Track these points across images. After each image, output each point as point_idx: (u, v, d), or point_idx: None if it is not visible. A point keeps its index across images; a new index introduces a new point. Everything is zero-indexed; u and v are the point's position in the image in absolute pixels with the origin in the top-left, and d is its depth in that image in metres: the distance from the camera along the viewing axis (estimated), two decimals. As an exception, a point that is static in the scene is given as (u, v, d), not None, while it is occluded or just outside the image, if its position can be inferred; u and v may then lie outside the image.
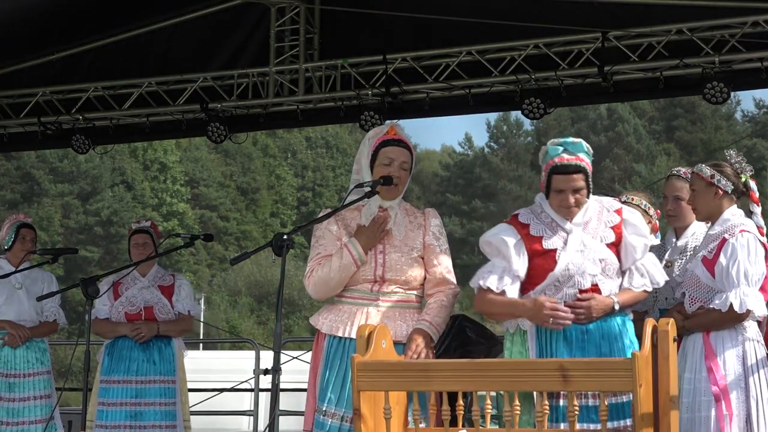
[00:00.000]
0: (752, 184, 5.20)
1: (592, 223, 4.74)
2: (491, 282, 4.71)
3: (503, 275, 4.72)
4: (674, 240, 5.59)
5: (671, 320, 4.31)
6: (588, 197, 4.75)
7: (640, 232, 4.75)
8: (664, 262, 5.56)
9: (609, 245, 4.72)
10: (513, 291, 4.71)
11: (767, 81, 7.87)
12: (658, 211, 5.90)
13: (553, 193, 4.72)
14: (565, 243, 4.69)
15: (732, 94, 8.07)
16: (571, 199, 4.69)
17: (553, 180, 4.70)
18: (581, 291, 4.66)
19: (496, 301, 4.70)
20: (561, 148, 4.71)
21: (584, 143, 4.75)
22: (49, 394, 7.35)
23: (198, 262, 49.59)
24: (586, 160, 4.71)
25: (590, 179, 4.72)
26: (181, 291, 7.26)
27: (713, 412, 4.87)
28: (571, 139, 4.73)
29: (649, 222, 5.99)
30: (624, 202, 5.92)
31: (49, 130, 9.61)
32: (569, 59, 8.24)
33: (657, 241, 5.89)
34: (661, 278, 4.80)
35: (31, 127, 9.63)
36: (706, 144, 46.34)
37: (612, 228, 4.73)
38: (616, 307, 4.65)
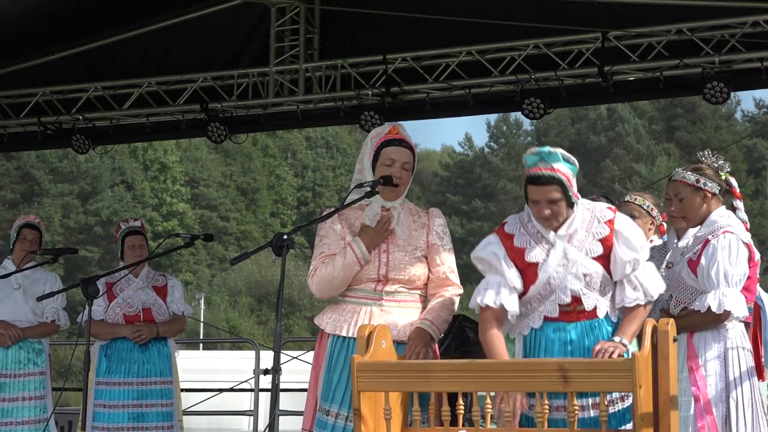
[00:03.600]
0: (732, 180, 5.20)
1: (578, 234, 4.58)
2: (488, 298, 4.58)
3: (500, 289, 4.59)
4: (675, 241, 5.59)
5: (671, 320, 4.31)
6: (572, 208, 4.57)
7: (631, 245, 4.56)
8: (665, 263, 5.56)
9: (597, 258, 4.57)
10: (511, 303, 4.58)
11: (767, 81, 7.87)
12: (665, 214, 5.88)
13: (531, 203, 4.57)
14: (547, 256, 4.58)
15: (732, 94, 8.07)
16: (546, 211, 4.52)
17: (528, 190, 4.55)
18: (560, 305, 4.57)
19: (486, 339, 4.58)
20: (537, 158, 4.52)
21: (561, 153, 4.53)
22: (42, 395, 7.31)
23: (198, 262, 49.61)
24: (562, 170, 4.49)
25: (569, 190, 4.51)
26: (174, 292, 7.26)
27: (692, 412, 4.88)
28: (547, 149, 4.52)
29: (652, 224, 5.99)
30: (627, 203, 5.92)
31: (49, 130, 9.61)
32: (569, 59, 8.24)
33: (660, 242, 5.89)
34: (656, 290, 4.62)
35: (31, 127, 9.64)
36: (706, 144, 46.25)
37: (600, 240, 4.57)
38: (630, 349, 4.48)
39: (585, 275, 4.57)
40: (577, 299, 4.58)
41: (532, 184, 4.53)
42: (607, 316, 4.61)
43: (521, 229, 4.65)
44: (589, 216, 4.61)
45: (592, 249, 4.58)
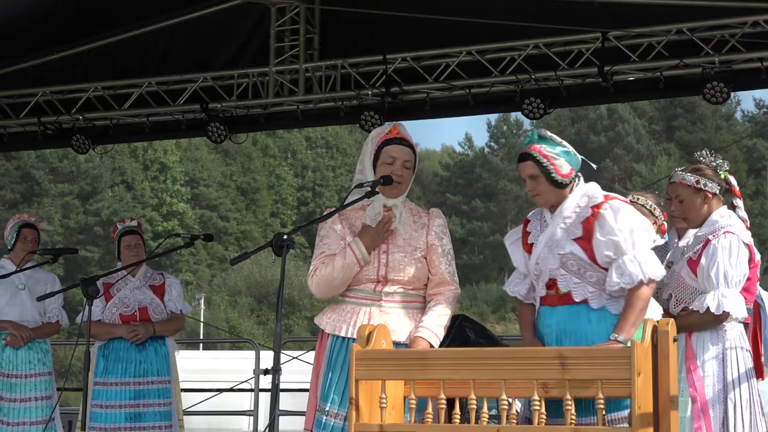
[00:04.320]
0: (731, 179, 5.20)
1: (570, 218, 4.70)
2: (506, 286, 4.97)
3: (513, 277, 4.93)
4: (676, 241, 5.59)
5: (671, 320, 4.30)
6: (562, 188, 4.71)
7: (610, 229, 4.58)
8: (665, 262, 5.56)
9: (577, 240, 4.64)
10: (515, 288, 4.90)
11: (767, 81, 7.87)
12: (666, 213, 5.88)
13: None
14: (541, 236, 4.78)
15: (732, 94, 8.07)
16: (527, 188, 4.80)
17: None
18: (545, 286, 4.69)
19: (519, 316, 4.92)
20: (526, 140, 4.84)
21: (539, 132, 4.79)
22: (49, 395, 7.33)
23: (198, 262, 49.63)
24: (538, 148, 4.73)
25: (547, 167, 4.70)
26: (172, 290, 7.25)
27: (689, 413, 4.88)
28: (531, 131, 4.84)
29: (655, 223, 5.99)
30: (629, 202, 5.93)
31: (49, 130, 9.61)
32: (569, 59, 8.23)
33: (662, 242, 5.89)
34: (639, 274, 4.52)
35: (31, 127, 9.63)
36: (707, 144, 46.27)
37: (582, 223, 4.65)
38: (624, 343, 4.46)
39: (562, 256, 4.65)
40: (555, 281, 4.66)
41: (518, 163, 4.85)
42: (587, 302, 4.61)
43: (537, 215, 4.88)
44: (585, 201, 4.70)
45: (573, 231, 4.66)
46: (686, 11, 7.93)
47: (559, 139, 4.77)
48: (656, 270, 4.59)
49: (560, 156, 4.71)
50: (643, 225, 4.66)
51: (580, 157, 4.78)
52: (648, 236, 4.65)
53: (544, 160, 4.70)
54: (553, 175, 4.69)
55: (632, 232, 4.58)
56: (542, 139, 4.74)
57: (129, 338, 7.02)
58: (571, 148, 4.76)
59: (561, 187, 4.70)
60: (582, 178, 4.78)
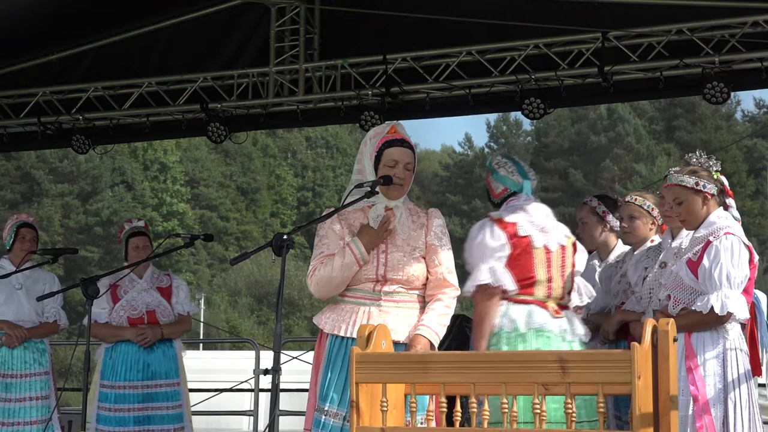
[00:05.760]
0: (723, 179, 5.21)
1: None
2: None
3: None
4: (670, 241, 5.59)
5: (671, 320, 4.29)
6: (493, 204, 5.61)
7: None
8: (659, 263, 5.56)
9: None
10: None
11: (767, 81, 7.87)
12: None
13: None
14: None
15: (732, 94, 8.07)
16: None
17: None
18: None
19: None
20: None
21: (490, 157, 5.65)
22: (47, 395, 7.30)
23: (198, 262, 49.62)
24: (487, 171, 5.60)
25: (487, 188, 5.68)
26: (179, 292, 7.22)
27: (691, 412, 4.88)
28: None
29: (653, 223, 5.99)
30: (627, 203, 5.95)
31: (49, 130, 9.61)
32: (569, 59, 8.23)
33: (658, 242, 5.89)
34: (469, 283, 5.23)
35: (31, 127, 9.64)
36: (707, 144, 46.28)
37: None
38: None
39: None
40: None
41: None
42: None
43: None
44: None
45: None
46: (686, 11, 7.94)
47: (498, 160, 5.52)
48: (476, 278, 5.26)
49: (493, 178, 5.54)
50: (479, 240, 5.33)
51: (514, 178, 5.46)
52: (480, 249, 5.31)
53: (486, 183, 5.63)
54: (489, 195, 5.62)
55: (472, 247, 5.33)
56: (489, 162, 5.57)
57: (137, 341, 6.98)
58: (503, 171, 5.49)
59: (495, 205, 5.53)
60: (521, 197, 5.44)
